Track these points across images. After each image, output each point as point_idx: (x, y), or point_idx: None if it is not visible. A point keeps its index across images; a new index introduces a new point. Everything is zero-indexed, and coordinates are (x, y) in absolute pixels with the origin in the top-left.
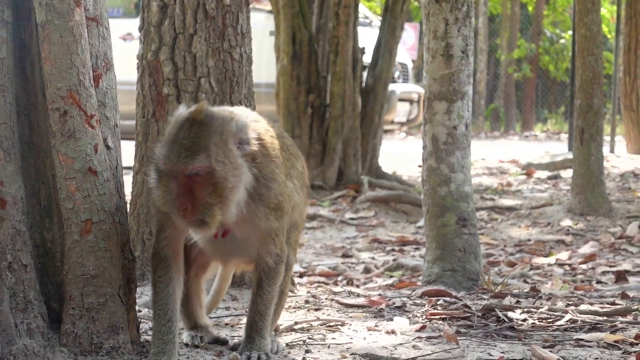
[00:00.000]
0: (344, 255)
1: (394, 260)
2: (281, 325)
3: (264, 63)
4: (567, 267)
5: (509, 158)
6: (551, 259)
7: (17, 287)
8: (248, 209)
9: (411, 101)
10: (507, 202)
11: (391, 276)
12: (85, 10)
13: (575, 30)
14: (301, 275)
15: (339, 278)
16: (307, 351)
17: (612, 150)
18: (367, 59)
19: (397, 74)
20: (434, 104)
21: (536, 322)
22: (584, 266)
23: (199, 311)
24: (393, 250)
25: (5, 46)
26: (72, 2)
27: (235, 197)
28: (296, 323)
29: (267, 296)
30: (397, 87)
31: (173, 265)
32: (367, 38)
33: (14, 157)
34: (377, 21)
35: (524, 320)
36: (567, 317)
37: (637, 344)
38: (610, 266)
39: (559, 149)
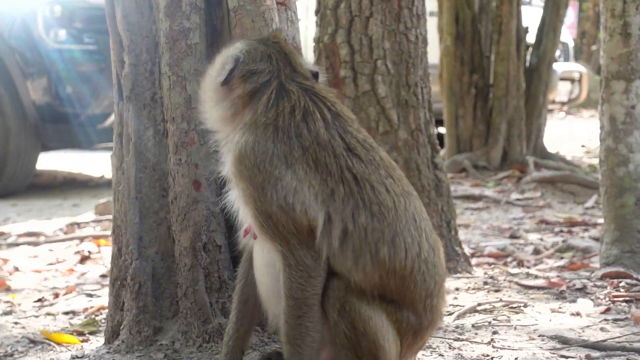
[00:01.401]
0: (512, 237)
1: (563, 241)
2: (464, 306)
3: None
4: None
5: None
6: None
7: (211, 267)
8: None
9: (572, 80)
10: None
11: (562, 257)
12: None
13: None
14: (470, 256)
15: (508, 259)
16: (494, 332)
17: None
18: (529, 38)
19: (558, 53)
20: (612, 84)
21: None
22: None
23: None
24: (561, 231)
25: (198, 32)
26: None
27: None
28: (479, 304)
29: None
30: (558, 67)
31: None
32: (528, 17)
33: (207, 140)
34: (537, 0)
35: None
36: None
37: None
38: None
39: None
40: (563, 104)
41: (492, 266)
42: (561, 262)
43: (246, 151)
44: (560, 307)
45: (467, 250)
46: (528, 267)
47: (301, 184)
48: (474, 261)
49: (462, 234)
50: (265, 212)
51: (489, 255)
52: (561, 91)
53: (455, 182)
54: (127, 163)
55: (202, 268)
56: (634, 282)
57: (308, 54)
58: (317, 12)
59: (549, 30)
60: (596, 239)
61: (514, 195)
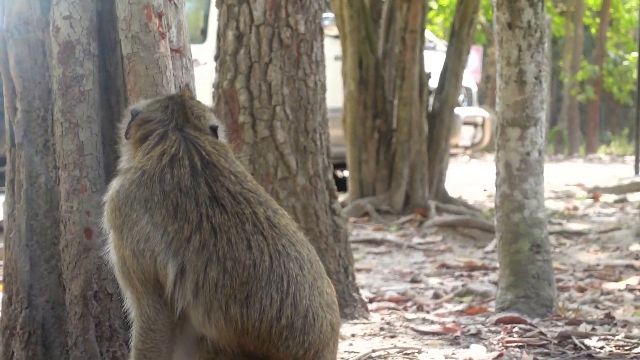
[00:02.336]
0: (413, 281)
1: (462, 285)
2: (358, 352)
3: (330, 88)
4: (638, 293)
5: (574, 181)
6: (621, 284)
7: (102, 315)
8: None
9: (475, 125)
10: (574, 226)
11: (461, 302)
12: (169, 42)
13: (639, 52)
14: (370, 301)
15: (409, 303)
16: None
17: None
18: (432, 83)
19: (461, 97)
20: (507, 130)
21: (613, 349)
22: None
23: None
24: (461, 275)
25: (91, 78)
26: (158, 35)
27: None
28: (374, 351)
29: None
30: (461, 111)
31: None
32: (432, 62)
33: (99, 188)
34: (441, 45)
35: (601, 347)
36: None
37: None
38: None
39: (624, 171)
40: (466, 148)
41: (390, 312)
42: (460, 307)
43: (112, 195)
44: (453, 353)
45: (368, 295)
46: (427, 312)
47: (156, 230)
48: (374, 306)
49: (363, 279)
50: (122, 257)
51: (390, 300)
52: (464, 135)
53: (358, 226)
54: (18, 210)
55: (92, 317)
56: (528, 327)
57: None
58: (216, 58)
59: (451, 76)
60: (495, 283)
61: (416, 239)
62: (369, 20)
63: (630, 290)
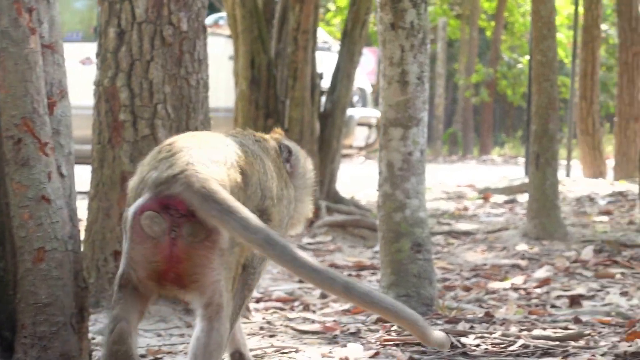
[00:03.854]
0: (301, 281)
1: None
2: None
3: (223, 88)
4: (522, 292)
5: (467, 182)
6: (506, 284)
7: None
8: None
9: (370, 125)
10: (463, 226)
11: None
12: (40, 38)
13: (532, 55)
14: (258, 301)
15: (296, 303)
16: None
17: (568, 174)
18: (325, 83)
19: (355, 98)
20: (390, 130)
21: (489, 347)
22: (538, 290)
23: None
24: (350, 275)
25: None
26: (28, 30)
27: None
28: (250, 350)
29: None
30: (355, 112)
31: None
32: (327, 63)
33: None
34: (336, 46)
35: (477, 345)
36: (520, 342)
37: None
38: (565, 290)
39: (516, 173)
40: (360, 149)
41: (271, 311)
42: (346, 306)
43: None
44: (330, 352)
45: (256, 295)
46: (314, 311)
47: None
48: (261, 306)
49: None
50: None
51: (277, 300)
52: (358, 136)
53: None
54: None
55: None
56: None
57: None
58: (97, 55)
59: (344, 76)
60: None
61: (306, 240)
62: (261, 20)
63: (515, 289)
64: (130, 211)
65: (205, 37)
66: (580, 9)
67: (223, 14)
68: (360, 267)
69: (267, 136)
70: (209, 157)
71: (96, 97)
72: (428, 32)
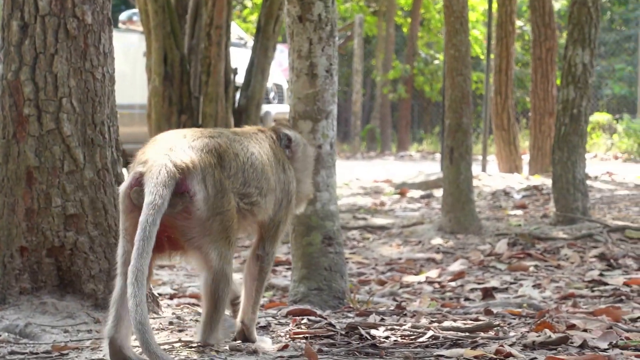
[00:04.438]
0: None
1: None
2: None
3: (138, 84)
4: (437, 285)
5: (384, 178)
6: (421, 277)
7: None
8: None
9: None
10: (379, 221)
11: (263, 296)
12: None
13: (445, 50)
14: (171, 297)
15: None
16: None
17: (484, 169)
18: (240, 79)
19: (272, 94)
20: (299, 123)
21: (398, 339)
22: (453, 284)
23: None
24: None
25: None
26: None
27: None
28: (158, 345)
29: None
30: (272, 108)
31: None
32: (242, 59)
33: None
34: (251, 42)
35: (387, 337)
36: (429, 333)
37: None
38: (479, 283)
39: (433, 168)
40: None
41: (181, 306)
42: (261, 301)
43: None
44: (238, 346)
45: (170, 292)
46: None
47: None
48: (175, 302)
49: (166, 275)
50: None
51: (191, 296)
52: None
53: None
54: None
55: None
56: (317, 318)
57: None
58: (0, 49)
59: (258, 72)
60: None
61: None
62: (173, 15)
63: (430, 282)
64: (122, 187)
65: (110, 30)
66: (495, 5)
67: (137, 10)
68: (277, 263)
69: (263, 128)
70: (189, 144)
71: (0, 92)
72: (336, 24)
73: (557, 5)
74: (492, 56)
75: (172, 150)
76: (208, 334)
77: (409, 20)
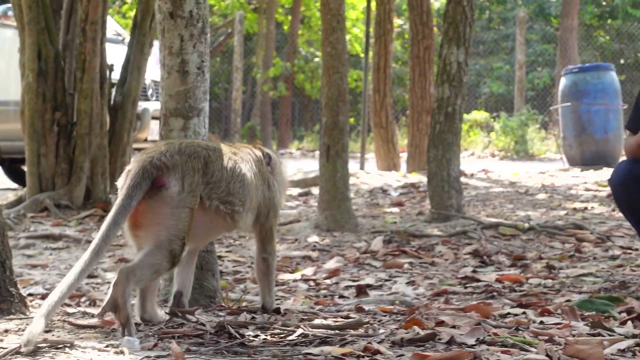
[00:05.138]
0: (89, 276)
1: None
2: (6, 348)
3: (13, 80)
4: (312, 283)
5: None
6: (297, 275)
7: None
8: None
9: None
10: None
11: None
12: None
13: (322, 48)
14: (43, 297)
15: (82, 299)
16: None
17: (362, 167)
18: (116, 76)
19: (150, 91)
20: (170, 121)
21: (268, 337)
22: (328, 281)
23: None
24: None
25: None
26: None
27: None
28: (21, 346)
29: None
30: (150, 105)
31: None
32: (120, 55)
33: None
34: (129, 38)
35: (256, 336)
36: (299, 331)
37: (364, 357)
38: (354, 280)
39: (313, 166)
40: (155, 142)
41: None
42: (133, 301)
43: None
44: (107, 346)
45: (41, 292)
46: (99, 307)
47: None
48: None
49: (39, 275)
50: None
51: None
52: (154, 129)
53: (36, 221)
54: None
55: None
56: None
57: None
58: None
59: (134, 69)
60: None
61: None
62: (48, 10)
63: (305, 280)
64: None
65: None
66: (374, 4)
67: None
68: None
69: (252, 147)
70: (179, 150)
71: None
72: (207, 21)
73: (437, 5)
74: (370, 54)
75: (162, 153)
76: (132, 280)
77: (289, 17)
